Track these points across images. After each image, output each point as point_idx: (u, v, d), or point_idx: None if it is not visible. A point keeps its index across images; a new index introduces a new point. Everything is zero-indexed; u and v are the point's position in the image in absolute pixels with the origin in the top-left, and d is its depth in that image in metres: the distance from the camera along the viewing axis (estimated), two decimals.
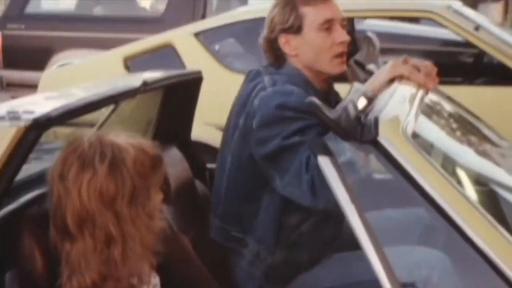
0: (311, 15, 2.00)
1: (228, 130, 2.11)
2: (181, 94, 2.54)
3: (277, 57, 2.07)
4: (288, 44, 2.04)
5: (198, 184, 2.59)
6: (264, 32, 2.09)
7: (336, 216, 1.53)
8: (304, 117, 1.85)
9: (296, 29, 2.01)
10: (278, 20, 2.03)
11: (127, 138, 1.57)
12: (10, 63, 6.44)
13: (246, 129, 1.97)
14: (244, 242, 2.07)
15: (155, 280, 1.66)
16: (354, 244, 1.33)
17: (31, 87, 4.94)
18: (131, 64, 4.20)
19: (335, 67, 2.03)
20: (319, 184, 1.73)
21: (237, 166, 2.05)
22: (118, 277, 1.53)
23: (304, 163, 1.79)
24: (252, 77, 2.07)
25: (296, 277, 2.06)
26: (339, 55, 2.02)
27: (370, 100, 1.56)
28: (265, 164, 1.93)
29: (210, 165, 2.81)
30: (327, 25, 2.01)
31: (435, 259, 1.78)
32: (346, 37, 2.02)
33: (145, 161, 1.54)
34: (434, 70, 1.84)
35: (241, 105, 2.03)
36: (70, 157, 1.52)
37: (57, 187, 1.52)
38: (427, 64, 1.84)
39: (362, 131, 1.35)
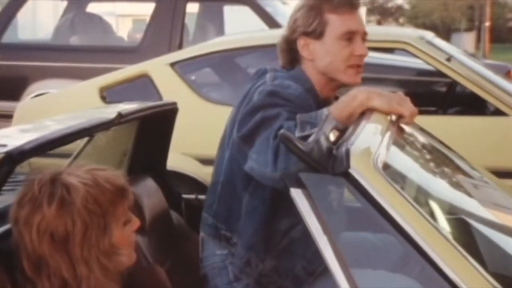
0: (335, 24, 2.02)
1: (228, 126, 2.09)
2: (156, 125, 2.55)
3: (292, 59, 2.09)
4: (306, 47, 2.05)
5: (174, 214, 2.59)
6: (284, 32, 2.10)
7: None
8: (291, 107, 1.86)
9: (318, 34, 2.02)
10: (301, 23, 2.04)
11: (83, 174, 1.53)
12: None
13: None
14: (232, 241, 2.06)
15: None
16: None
17: (7, 117, 4.92)
18: (107, 94, 4.20)
19: (349, 77, 2.04)
20: (283, 150, 1.69)
21: (232, 163, 2.03)
22: None
23: (275, 130, 1.76)
24: (259, 75, 2.07)
25: None
26: (355, 67, 2.04)
27: (342, 132, 1.58)
28: (241, 145, 1.89)
29: (185, 196, 2.81)
30: (349, 36, 2.02)
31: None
32: (365, 51, 2.05)
33: (100, 197, 1.51)
34: (407, 99, 1.85)
35: (241, 100, 2.02)
36: (23, 200, 1.51)
37: (13, 232, 1.51)
38: (399, 95, 1.86)
39: (334, 163, 1.36)
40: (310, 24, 2.03)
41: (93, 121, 2.01)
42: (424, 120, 2.24)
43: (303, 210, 1.35)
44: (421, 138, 2.11)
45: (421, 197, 1.65)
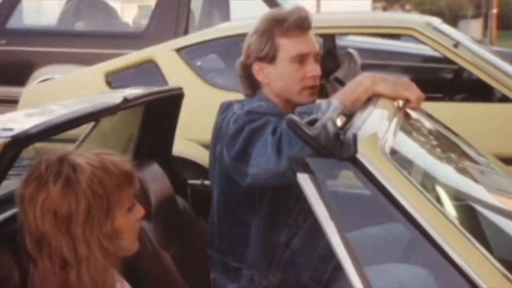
0: (286, 47, 2.02)
1: (210, 160, 2.12)
2: (162, 110, 2.54)
3: (251, 84, 2.10)
4: (261, 72, 2.05)
5: (179, 199, 2.59)
6: (241, 58, 2.11)
7: None
8: (272, 117, 1.87)
9: (270, 58, 2.03)
10: (254, 48, 2.05)
11: (91, 156, 1.54)
12: None
13: (222, 156, 1.96)
14: (242, 271, 2.06)
15: None
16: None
17: (12, 102, 4.92)
18: (113, 79, 4.20)
19: (303, 98, 2.04)
20: (286, 142, 1.71)
21: (222, 194, 2.05)
22: None
23: (271, 131, 1.78)
24: (224, 108, 2.08)
25: None
26: (309, 88, 2.04)
27: (349, 117, 1.57)
28: (237, 164, 1.88)
29: (191, 181, 2.81)
30: (300, 58, 2.03)
31: (416, 277, 1.78)
32: (317, 72, 2.04)
33: (106, 180, 1.51)
34: (413, 84, 1.84)
35: (215, 136, 2.05)
36: (29, 178, 1.51)
37: (19, 210, 1.52)
38: (405, 80, 1.85)
39: (341, 148, 1.35)
40: (263, 49, 2.03)
41: (99, 105, 2.01)
42: (430, 107, 2.24)
43: (310, 196, 1.34)
44: (428, 124, 2.10)
45: (428, 183, 1.64)
